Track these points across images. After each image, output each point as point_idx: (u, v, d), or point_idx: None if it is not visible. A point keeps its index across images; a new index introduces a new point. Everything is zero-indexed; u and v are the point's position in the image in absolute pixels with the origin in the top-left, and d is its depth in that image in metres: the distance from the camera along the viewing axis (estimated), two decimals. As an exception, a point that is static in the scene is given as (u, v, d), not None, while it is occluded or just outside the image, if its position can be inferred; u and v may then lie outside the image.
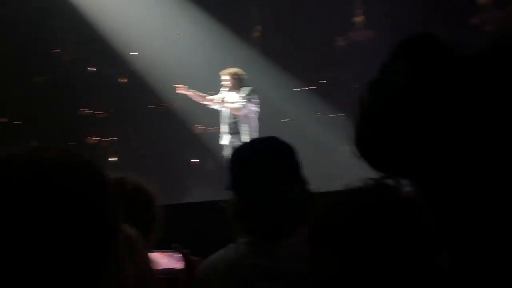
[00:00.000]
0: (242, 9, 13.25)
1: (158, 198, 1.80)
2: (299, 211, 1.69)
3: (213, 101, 6.90)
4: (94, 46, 11.26)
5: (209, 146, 9.50)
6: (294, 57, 12.64)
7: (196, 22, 11.25)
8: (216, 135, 7.36)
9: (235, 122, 6.86)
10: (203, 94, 7.03)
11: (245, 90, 6.74)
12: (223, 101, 6.84)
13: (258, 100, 6.79)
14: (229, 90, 6.85)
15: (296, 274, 1.61)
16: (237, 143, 6.57)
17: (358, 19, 13.84)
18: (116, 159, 11.58)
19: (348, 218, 0.84)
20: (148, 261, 1.38)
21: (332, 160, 10.22)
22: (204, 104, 7.04)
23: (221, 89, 6.87)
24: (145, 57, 11.61)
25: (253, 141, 1.94)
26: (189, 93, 6.98)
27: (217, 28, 11.32)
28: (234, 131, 6.82)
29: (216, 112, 7.21)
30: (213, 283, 1.70)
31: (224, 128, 6.99)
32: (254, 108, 6.76)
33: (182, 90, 6.97)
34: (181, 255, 1.82)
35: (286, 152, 1.76)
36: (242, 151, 1.81)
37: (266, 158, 1.72)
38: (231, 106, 6.78)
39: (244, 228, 1.72)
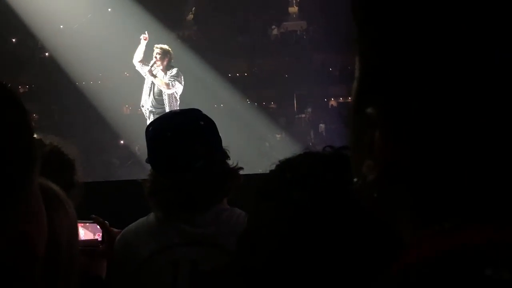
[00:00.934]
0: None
1: (78, 165, 1.71)
2: (216, 187, 1.67)
3: (140, 64, 6.75)
4: (16, 16, 10.61)
5: (135, 127, 9.28)
6: (227, 43, 12.61)
7: (129, 0, 10.90)
8: (142, 116, 7.19)
9: (158, 100, 6.73)
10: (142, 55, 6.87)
11: (173, 71, 6.64)
12: (151, 71, 6.68)
13: (183, 82, 6.70)
14: (158, 65, 6.71)
15: (216, 238, 1.60)
16: None
17: (293, 9, 14.02)
18: (36, 136, 11.03)
19: (305, 177, 0.80)
20: (68, 220, 1.30)
21: (259, 147, 10.32)
22: (137, 61, 6.84)
23: (152, 61, 6.72)
24: (71, 32, 11.11)
25: (170, 114, 1.86)
26: (145, 42, 6.86)
27: (150, 8, 11.03)
28: (158, 109, 6.70)
29: (144, 94, 7.03)
30: (134, 250, 1.65)
31: (147, 103, 6.82)
32: (179, 88, 6.67)
33: (145, 37, 6.87)
34: (99, 225, 1.75)
35: (205, 126, 1.70)
36: (160, 124, 1.73)
37: (181, 134, 1.65)
38: (160, 79, 6.63)
39: (159, 204, 1.67)
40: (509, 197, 0.36)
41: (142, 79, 7.11)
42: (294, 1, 14.05)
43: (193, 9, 13.68)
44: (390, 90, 0.40)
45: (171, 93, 6.65)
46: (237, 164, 1.74)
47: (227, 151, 1.75)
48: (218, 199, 1.69)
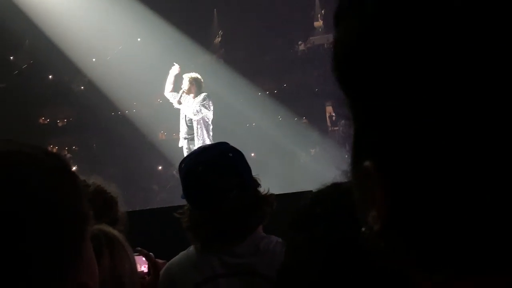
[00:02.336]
0: (202, 16, 13.24)
1: (120, 201, 1.77)
2: (251, 215, 1.69)
3: (171, 94, 6.88)
4: (51, 53, 11.02)
5: (172, 152, 9.44)
6: (255, 62, 12.72)
7: (155, 28, 11.17)
8: (178, 141, 7.32)
9: (190, 127, 6.85)
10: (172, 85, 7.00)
11: (200, 97, 6.74)
12: (179, 101, 6.82)
13: (211, 106, 6.78)
14: (187, 94, 6.83)
15: (256, 268, 1.62)
16: (193, 148, 6.61)
17: (318, 23, 14.05)
18: (76, 168, 11.35)
19: (332, 211, 0.84)
20: (129, 261, 1.36)
21: (293, 164, 10.30)
22: (168, 92, 6.97)
23: (180, 91, 6.85)
24: (104, 64, 11.45)
25: (199, 150, 1.90)
26: (175, 72, 6.94)
27: (177, 34, 11.26)
28: (190, 136, 6.83)
29: (178, 119, 7.17)
30: (179, 282, 1.69)
31: (182, 130, 6.98)
32: (207, 113, 6.77)
33: (176, 67, 6.94)
34: (145, 258, 1.79)
35: (234, 157, 1.74)
36: (191, 160, 1.78)
37: (213, 168, 1.69)
38: (185, 110, 6.77)
39: (198, 237, 1.71)
40: (504, 249, 0.37)
41: (173, 105, 7.25)
42: (319, 16, 14.09)
43: (220, 32, 13.89)
44: (384, 145, 0.41)
45: (199, 119, 6.75)
46: (268, 190, 1.77)
47: (257, 179, 1.78)
48: (254, 227, 1.72)
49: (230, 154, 1.74)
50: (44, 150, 0.68)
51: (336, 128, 12.47)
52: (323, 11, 13.95)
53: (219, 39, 13.88)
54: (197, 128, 6.74)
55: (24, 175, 0.62)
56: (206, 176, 1.68)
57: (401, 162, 0.40)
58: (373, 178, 0.42)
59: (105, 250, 1.29)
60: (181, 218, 1.74)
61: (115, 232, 1.25)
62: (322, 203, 0.86)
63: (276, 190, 1.87)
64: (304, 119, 12.76)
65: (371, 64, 0.41)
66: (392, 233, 0.41)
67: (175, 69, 7.07)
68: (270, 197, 1.74)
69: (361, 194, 0.44)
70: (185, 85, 6.75)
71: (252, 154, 8.81)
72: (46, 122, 12.62)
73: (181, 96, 6.76)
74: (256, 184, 1.75)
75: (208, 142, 6.56)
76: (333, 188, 0.88)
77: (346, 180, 0.85)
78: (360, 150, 0.44)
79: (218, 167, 1.70)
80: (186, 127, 6.86)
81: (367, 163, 0.42)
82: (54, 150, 11.86)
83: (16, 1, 10.40)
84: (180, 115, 6.94)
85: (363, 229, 0.44)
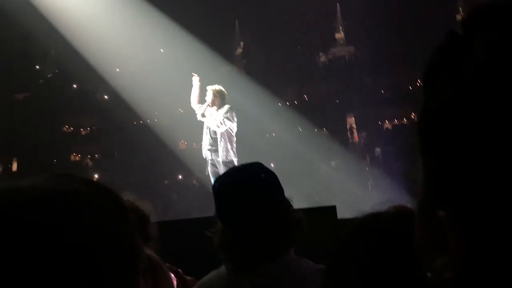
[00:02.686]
0: (224, 26, 13.35)
1: (152, 217, 1.79)
2: (282, 237, 1.70)
3: (198, 106, 6.92)
4: (76, 63, 11.22)
5: (192, 162, 9.49)
6: (276, 73, 12.75)
7: (178, 39, 11.31)
8: (198, 150, 7.37)
9: (214, 139, 6.89)
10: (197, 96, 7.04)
11: (224, 109, 6.77)
12: (203, 114, 6.86)
13: (235, 118, 6.81)
14: (210, 106, 6.87)
15: None
16: (217, 160, 6.61)
17: (339, 35, 14.05)
18: (98, 176, 11.48)
19: (373, 244, 0.86)
20: (168, 283, 1.39)
21: (313, 175, 10.26)
22: (195, 104, 7.01)
23: (205, 103, 6.88)
24: (127, 74, 11.61)
25: (232, 170, 1.93)
26: (198, 84, 6.97)
27: (199, 45, 11.38)
28: (214, 148, 6.87)
29: (199, 128, 7.21)
30: None
31: (206, 141, 7.02)
32: (231, 125, 6.80)
33: (196, 79, 6.96)
34: (174, 275, 1.81)
35: (267, 178, 1.75)
36: (223, 181, 1.80)
37: (245, 189, 1.71)
38: (209, 122, 6.80)
39: (229, 257, 1.73)
40: None
41: (194, 114, 7.30)
42: (340, 28, 14.08)
43: (241, 43, 13.97)
44: (460, 196, 0.42)
45: (223, 132, 6.77)
46: (301, 214, 1.78)
47: (290, 201, 1.79)
48: (285, 249, 1.73)
49: (263, 175, 1.76)
50: (99, 186, 0.68)
51: (356, 140, 12.41)
52: (344, 23, 13.95)
53: (241, 50, 13.96)
54: (221, 140, 6.76)
55: (82, 218, 0.63)
56: (238, 197, 1.70)
57: (481, 215, 0.41)
58: (446, 227, 0.43)
59: (148, 276, 1.31)
60: (213, 237, 1.75)
61: (154, 254, 1.28)
62: (365, 236, 0.88)
63: (296, 202, 1.88)
64: (324, 130, 12.73)
65: (464, 126, 0.43)
66: (466, 282, 0.42)
67: (196, 80, 7.11)
68: (301, 221, 1.75)
69: (429, 240, 0.45)
70: (209, 97, 6.78)
71: (272, 164, 8.81)
72: (70, 130, 12.83)
73: (205, 109, 6.80)
74: (288, 206, 1.76)
75: (231, 154, 6.58)
76: (374, 219, 0.90)
77: (383, 210, 0.88)
78: (432, 199, 0.45)
79: (249, 188, 1.72)
80: (210, 139, 6.87)
81: (441, 213, 0.43)
82: (85, 162, 11.88)
83: (44, 12, 10.63)
84: (204, 126, 6.96)
85: (428, 274, 0.45)
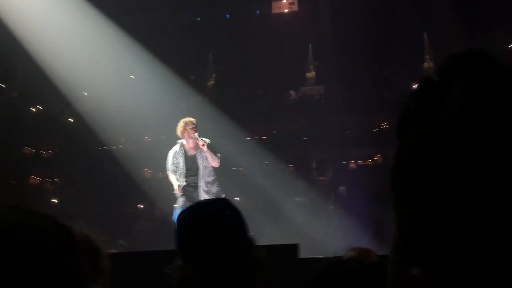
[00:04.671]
0: (197, 57, 13.44)
1: (107, 250, 1.72)
2: (243, 277, 1.66)
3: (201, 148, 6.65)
4: (42, 84, 11.02)
5: (157, 192, 9.32)
6: (246, 107, 12.84)
7: (149, 67, 11.28)
8: (163, 180, 7.22)
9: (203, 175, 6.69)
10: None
11: (209, 143, 6.62)
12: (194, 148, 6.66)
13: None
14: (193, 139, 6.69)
15: None
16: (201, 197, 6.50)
17: (310, 74, 14.31)
18: (58, 201, 11.14)
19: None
20: None
21: (278, 210, 10.23)
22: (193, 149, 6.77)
23: (193, 135, 6.63)
24: (95, 98, 11.45)
25: (198, 204, 1.89)
26: (204, 148, 6.65)
27: (170, 74, 11.37)
28: (195, 183, 6.71)
29: (164, 158, 7.04)
30: None
31: (185, 180, 6.73)
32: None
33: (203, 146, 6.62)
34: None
35: (232, 217, 1.72)
36: (187, 215, 1.76)
37: (210, 225, 1.68)
38: (212, 158, 6.58)
39: None
40: None
41: (162, 143, 7.19)
42: (311, 67, 14.36)
43: (214, 75, 14.06)
44: (436, 253, 0.42)
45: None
46: (265, 254, 1.73)
47: (254, 240, 1.75)
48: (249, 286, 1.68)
49: (227, 212, 1.72)
50: (49, 220, 0.66)
51: (322, 178, 12.49)
52: (316, 63, 14.24)
53: (213, 82, 14.02)
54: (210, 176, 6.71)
55: (24, 254, 0.61)
56: (200, 234, 1.66)
57: (458, 274, 0.40)
58: (419, 281, 0.42)
59: None
60: (171, 273, 1.69)
61: None
62: (331, 281, 0.92)
63: (260, 237, 1.84)
64: (290, 167, 12.79)
65: (439, 175, 0.41)
66: None
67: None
68: (264, 261, 1.70)
69: None
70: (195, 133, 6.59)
71: (237, 198, 8.74)
72: (31, 152, 12.47)
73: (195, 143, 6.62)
74: (251, 245, 1.72)
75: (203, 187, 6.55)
76: (336, 268, 0.94)
77: (346, 256, 0.89)
78: (407, 256, 0.44)
79: (212, 226, 1.68)
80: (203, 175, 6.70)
81: (416, 271, 0.42)
82: (44, 184, 11.60)
83: (13, 31, 10.46)
84: (186, 163, 6.72)
85: None
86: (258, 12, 14.69)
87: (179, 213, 1.81)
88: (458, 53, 0.47)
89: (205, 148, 6.50)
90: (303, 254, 5.00)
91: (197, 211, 1.74)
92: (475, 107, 0.42)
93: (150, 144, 10.72)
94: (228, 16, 14.33)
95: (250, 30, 13.69)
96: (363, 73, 12.54)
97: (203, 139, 6.60)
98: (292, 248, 4.46)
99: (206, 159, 6.61)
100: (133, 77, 11.83)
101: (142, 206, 11.06)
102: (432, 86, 0.46)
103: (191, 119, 6.70)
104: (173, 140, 6.87)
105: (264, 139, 12.83)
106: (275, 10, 14.58)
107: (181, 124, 6.59)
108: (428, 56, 13.24)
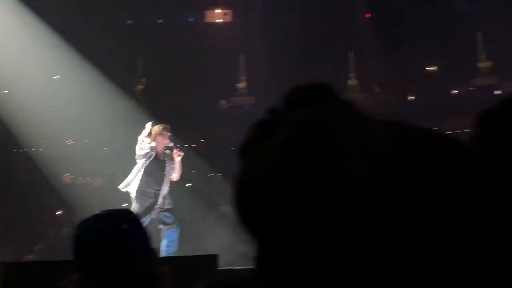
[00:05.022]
0: (127, 61, 13.14)
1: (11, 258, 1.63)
2: (146, 286, 1.63)
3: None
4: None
5: (76, 198, 8.99)
6: (176, 114, 12.69)
7: (76, 67, 10.89)
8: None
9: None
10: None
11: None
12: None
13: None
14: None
15: None
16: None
17: (241, 85, 14.40)
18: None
19: None
20: None
21: (205, 220, 10.18)
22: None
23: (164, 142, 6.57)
24: (15, 97, 10.90)
25: (98, 216, 1.83)
26: (178, 159, 6.62)
27: (97, 76, 11.03)
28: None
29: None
30: None
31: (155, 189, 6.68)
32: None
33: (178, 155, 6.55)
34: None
35: (131, 231, 1.68)
36: (85, 226, 1.70)
37: (105, 237, 1.63)
38: (178, 170, 6.64)
39: None
40: None
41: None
42: (243, 78, 14.48)
43: (143, 80, 13.81)
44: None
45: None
46: (166, 268, 1.71)
47: (155, 252, 1.73)
48: None
49: (125, 226, 1.68)
50: None
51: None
52: (247, 75, 14.36)
53: (142, 86, 13.77)
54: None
55: None
56: (95, 247, 1.61)
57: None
58: None
59: None
60: (67, 286, 1.63)
61: None
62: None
63: (183, 247, 1.82)
64: (219, 175, 12.76)
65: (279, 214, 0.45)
66: None
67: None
68: (164, 275, 1.68)
69: None
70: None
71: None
72: None
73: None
74: (150, 259, 1.68)
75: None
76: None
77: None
78: (263, 278, 0.47)
79: (108, 239, 1.64)
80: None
81: None
82: None
83: None
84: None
85: None
86: (191, 19, 14.63)
87: (77, 224, 1.75)
88: (302, 84, 0.50)
89: (179, 159, 6.53)
90: (227, 263, 4.98)
91: (95, 224, 1.69)
92: (299, 138, 0.45)
93: (72, 148, 10.33)
94: (160, 21, 14.16)
95: (182, 37, 13.61)
96: (292, 84, 12.79)
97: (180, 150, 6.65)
98: (212, 259, 4.44)
99: (173, 169, 6.60)
100: (57, 77, 11.38)
101: (61, 212, 10.61)
102: (273, 115, 0.49)
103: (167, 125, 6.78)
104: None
105: (194, 147, 12.74)
106: (208, 19, 14.59)
107: (158, 127, 6.58)
108: (353, 74, 13.74)
